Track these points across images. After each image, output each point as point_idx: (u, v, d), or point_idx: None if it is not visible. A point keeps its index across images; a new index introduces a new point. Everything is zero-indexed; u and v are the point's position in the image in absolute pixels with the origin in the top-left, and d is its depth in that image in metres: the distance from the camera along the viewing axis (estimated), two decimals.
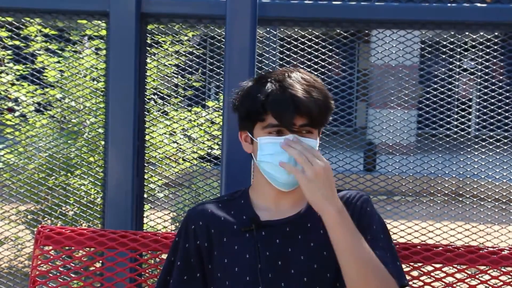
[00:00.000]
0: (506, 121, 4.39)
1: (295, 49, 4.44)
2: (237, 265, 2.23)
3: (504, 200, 5.44)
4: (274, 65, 4.61)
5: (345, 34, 4.39)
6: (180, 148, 4.88)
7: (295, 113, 2.18)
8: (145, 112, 3.57)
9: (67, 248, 2.49)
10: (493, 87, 4.47)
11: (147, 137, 3.90)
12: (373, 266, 2.18)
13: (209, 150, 4.83)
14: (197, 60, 5.16)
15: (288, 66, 4.15)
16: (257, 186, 2.36)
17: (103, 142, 3.63)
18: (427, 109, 4.79)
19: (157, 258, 2.52)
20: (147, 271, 2.54)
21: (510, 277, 2.45)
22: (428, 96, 4.69)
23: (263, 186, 2.32)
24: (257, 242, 2.25)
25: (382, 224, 2.38)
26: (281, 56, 5.19)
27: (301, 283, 2.23)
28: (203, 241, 2.27)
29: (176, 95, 4.86)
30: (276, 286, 2.21)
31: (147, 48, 3.69)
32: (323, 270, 2.25)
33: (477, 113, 11.03)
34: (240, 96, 2.32)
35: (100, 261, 2.63)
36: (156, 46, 4.71)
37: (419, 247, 2.47)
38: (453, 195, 7.02)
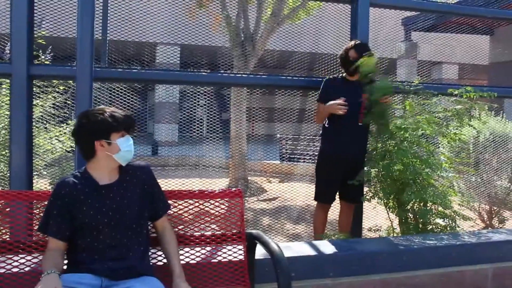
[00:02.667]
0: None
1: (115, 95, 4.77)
2: (91, 210, 2.18)
3: (217, 167, 6.21)
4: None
5: (141, 86, 4.84)
6: (54, 145, 5.02)
7: (132, 124, 2.28)
8: (33, 128, 3.49)
9: None
10: None
11: (35, 141, 4.10)
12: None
13: (70, 148, 4.98)
14: (63, 100, 5.33)
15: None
16: (97, 166, 2.25)
17: (9, 143, 3.46)
18: (182, 124, 5.40)
19: (40, 205, 2.37)
20: (35, 211, 2.38)
21: (216, 202, 2.54)
22: (182, 118, 5.30)
23: (102, 166, 2.25)
24: (102, 197, 2.21)
25: (156, 179, 2.41)
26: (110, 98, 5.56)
27: (131, 221, 2.22)
28: (69, 199, 2.18)
29: (52, 118, 5.02)
30: (118, 222, 2.19)
31: (34, 92, 3.59)
32: (134, 211, 2.25)
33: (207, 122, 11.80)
34: (95, 123, 2.20)
35: (8, 208, 2.37)
36: (40, 92, 4.85)
37: (176, 192, 2.55)
38: (194, 166, 7.84)
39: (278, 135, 12.04)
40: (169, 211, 2.47)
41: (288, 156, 11.64)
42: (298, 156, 11.41)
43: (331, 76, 4.09)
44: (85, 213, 2.18)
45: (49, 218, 2.20)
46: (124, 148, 2.25)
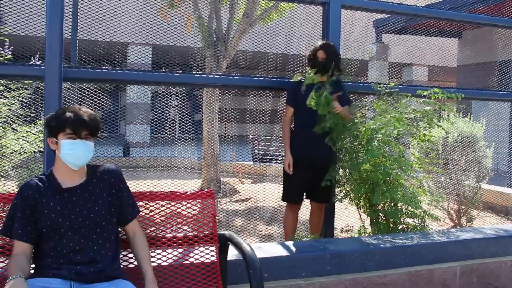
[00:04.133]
0: None
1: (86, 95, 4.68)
2: (53, 213, 2.15)
3: (189, 168, 6.18)
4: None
5: (113, 86, 4.77)
6: (22, 146, 4.92)
7: (83, 128, 2.20)
8: None
9: None
10: None
11: (1, 141, 4.00)
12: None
13: (39, 148, 4.92)
14: (33, 99, 5.19)
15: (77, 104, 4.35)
16: (59, 168, 2.24)
17: None
18: (154, 125, 5.35)
19: (7, 207, 2.26)
20: (1, 214, 2.28)
21: (188, 203, 2.52)
22: (154, 119, 5.27)
23: (62, 168, 2.23)
24: (63, 200, 2.19)
25: (125, 182, 2.38)
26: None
27: (96, 224, 2.19)
28: (32, 201, 2.16)
29: (18, 119, 4.93)
30: (81, 226, 2.16)
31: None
32: (99, 215, 2.21)
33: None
34: (51, 119, 2.22)
35: None
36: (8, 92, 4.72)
37: (147, 194, 2.53)
38: (166, 167, 7.80)
39: (251, 136, 12.06)
40: (141, 213, 2.43)
41: (260, 157, 11.65)
42: (270, 157, 11.43)
43: (299, 78, 3.97)
44: (47, 216, 2.15)
45: (13, 220, 2.16)
46: (64, 151, 2.21)
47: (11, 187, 4.68)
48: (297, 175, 4.00)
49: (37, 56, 5.48)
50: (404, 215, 3.66)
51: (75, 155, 2.21)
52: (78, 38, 6.71)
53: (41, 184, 2.20)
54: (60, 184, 2.22)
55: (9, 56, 4.85)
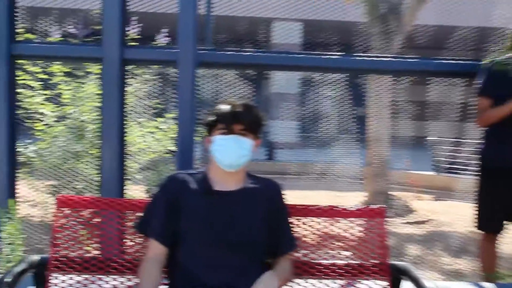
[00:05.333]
0: None
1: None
2: (195, 214, 2.28)
3: (350, 177, 6.07)
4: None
5: (254, 73, 4.83)
6: (149, 144, 5.25)
7: (233, 122, 2.30)
8: (125, 122, 3.63)
9: (76, 208, 2.49)
10: None
11: (127, 138, 4.32)
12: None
13: (169, 147, 5.19)
14: (160, 88, 5.51)
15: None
16: (212, 168, 2.36)
17: (99, 141, 3.67)
18: (305, 122, 5.36)
19: (134, 216, 2.46)
20: (127, 224, 2.49)
21: (350, 223, 2.53)
22: (302, 113, 5.25)
23: (216, 169, 2.34)
24: (211, 202, 2.30)
25: (287, 204, 2.46)
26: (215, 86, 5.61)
27: (238, 235, 2.27)
28: (175, 196, 2.29)
29: (145, 111, 5.26)
30: (221, 234, 2.25)
31: (126, 80, 3.74)
32: (254, 231, 2.30)
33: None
34: (207, 117, 2.38)
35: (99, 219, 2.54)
36: (134, 79, 5.06)
37: (300, 207, 2.57)
38: (320, 175, 7.81)
39: (432, 138, 11.68)
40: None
41: (445, 165, 11.24)
42: (459, 166, 10.97)
43: (500, 60, 3.79)
44: (187, 215, 2.27)
45: (151, 215, 2.32)
46: (213, 147, 2.34)
47: (137, 192, 4.99)
48: (494, 191, 3.80)
49: (164, 30, 5.76)
50: None
51: (223, 151, 2.32)
52: (213, 14, 7.01)
53: (189, 179, 2.36)
54: (211, 184, 2.34)
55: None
